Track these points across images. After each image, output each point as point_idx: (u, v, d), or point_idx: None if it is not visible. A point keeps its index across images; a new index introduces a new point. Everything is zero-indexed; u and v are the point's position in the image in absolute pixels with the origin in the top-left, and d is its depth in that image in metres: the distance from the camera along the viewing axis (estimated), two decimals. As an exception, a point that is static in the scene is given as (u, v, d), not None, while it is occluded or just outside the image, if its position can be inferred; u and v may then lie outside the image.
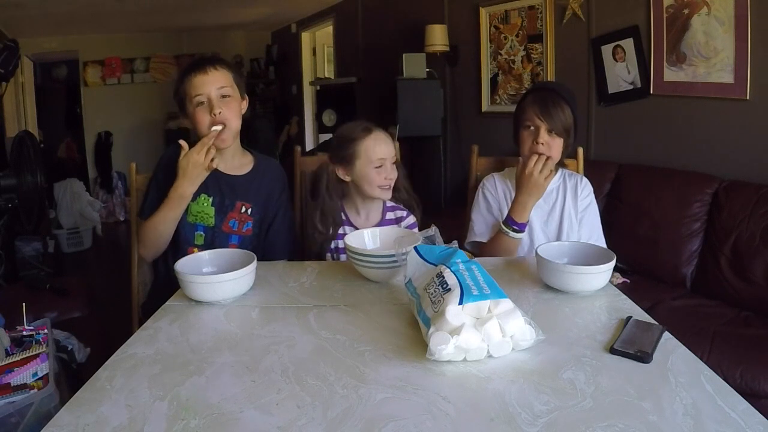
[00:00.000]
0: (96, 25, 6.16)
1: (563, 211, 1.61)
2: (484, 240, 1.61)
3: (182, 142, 1.40)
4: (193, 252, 1.47)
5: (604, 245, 1.57)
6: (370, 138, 1.49)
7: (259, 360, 0.86)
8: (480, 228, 1.63)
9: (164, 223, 1.44)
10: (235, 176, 1.52)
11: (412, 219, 1.62)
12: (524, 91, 3.38)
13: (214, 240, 1.48)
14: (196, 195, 1.46)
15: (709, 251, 2.27)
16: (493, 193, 1.65)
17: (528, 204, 1.49)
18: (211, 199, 1.49)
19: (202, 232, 1.50)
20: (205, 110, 1.41)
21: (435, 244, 1.05)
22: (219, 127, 1.40)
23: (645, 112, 2.76)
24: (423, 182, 4.10)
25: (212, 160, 1.38)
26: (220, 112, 1.40)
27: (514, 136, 1.60)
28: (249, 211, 1.51)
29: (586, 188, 1.62)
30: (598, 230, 1.62)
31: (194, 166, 1.37)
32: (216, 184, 1.49)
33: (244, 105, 1.52)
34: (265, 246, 1.54)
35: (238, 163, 1.54)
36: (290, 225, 1.63)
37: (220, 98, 1.42)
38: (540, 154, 1.47)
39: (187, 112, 1.46)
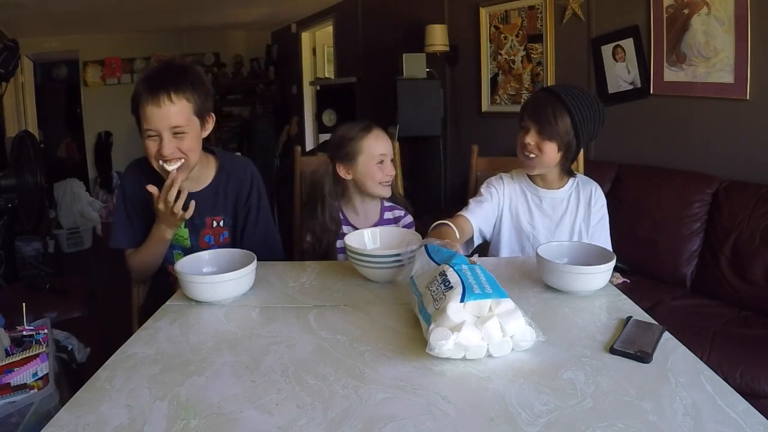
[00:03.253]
0: (96, 25, 6.15)
1: (574, 223, 1.52)
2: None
3: (150, 188, 1.30)
4: (173, 270, 1.47)
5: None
6: (371, 135, 1.53)
7: (259, 360, 0.86)
8: (466, 209, 1.54)
9: (150, 258, 1.43)
10: (197, 193, 1.42)
11: (409, 218, 1.63)
12: (524, 92, 3.41)
13: None
14: None
15: (709, 251, 2.27)
16: (497, 193, 1.57)
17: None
18: (183, 222, 1.42)
19: (180, 251, 1.48)
20: (154, 143, 1.30)
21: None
22: (175, 166, 1.31)
23: (645, 112, 2.76)
24: (423, 182, 4.10)
25: (186, 210, 1.30)
26: (171, 152, 1.29)
27: None
28: (221, 223, 1.48)
29: (599, 200, 1.54)
30: (607, 246, 1.52)
31: (165, 217, 1.32)
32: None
33: (210, 124, 1.39)
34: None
35: (201, 177, 1.45)
36: (267, 227, 1.52)
37: (172, 136, 1.29)
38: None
39: (140, 133, 1.34)
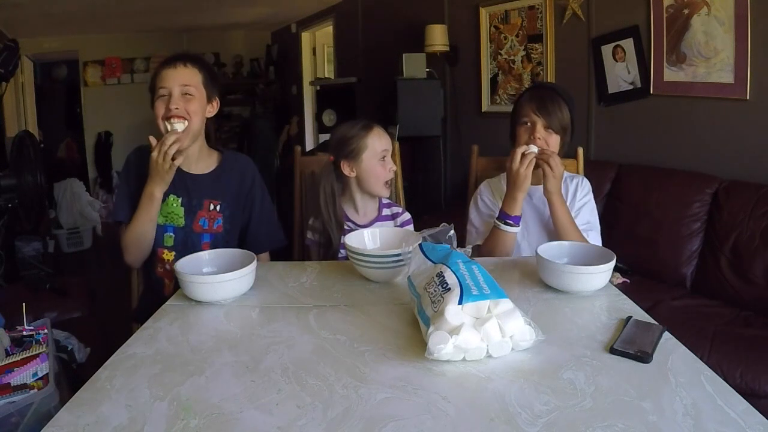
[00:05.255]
0: (96, 25, 6.15)
1: None
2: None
3: (151, 138, 1.39)
4: (163, 254, 1.49)
5: (599, 238, 1.56)
6: (373, 132, 1.57)
7: (259, 360, 0.86)
8: (478, 236, 1.62)
9: (139, 225, 1.42)
10: (199, 175, 1.51)
11: (407, 215, 1.65)
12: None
13: (186, 240, 1.48)
14: (164, 195, 1.45)
15: (709, 251, 2.27)
16: (489, 200, 1.63)
17: (517, 197, 1.47)
18: (180, 200, 1.49)
19: (171, 233, 1.49)
20: (163, 102, 1.41)
21: (450, 245, 1.04)
22: (180, 126, 1.39)
23: (645, 112, 2.75)
24: (423, 182, 4.10)
25: (174, 159, 1.35)
26: (176, 108, 1.39)
27: (511, 133, 1.59)
28: (218, 207, 1.51)
29: (584, 188, 1.61)
30: (594, 224, 1.58)
31: (154, 166, 1.37)
32: (182, 184, 1.48)
33: (213, 107, 1.51)
34: (249, 239, 1.55)
35: (203, 162, 1.53)
36: (271, 217, 1.62)
37: (181, 95, 1.41)
38: (525, 150, 1.45)
39: (152, 104, 1.45)
